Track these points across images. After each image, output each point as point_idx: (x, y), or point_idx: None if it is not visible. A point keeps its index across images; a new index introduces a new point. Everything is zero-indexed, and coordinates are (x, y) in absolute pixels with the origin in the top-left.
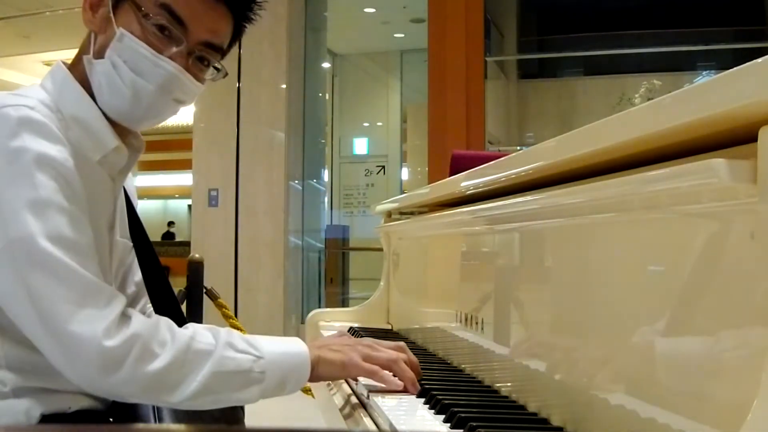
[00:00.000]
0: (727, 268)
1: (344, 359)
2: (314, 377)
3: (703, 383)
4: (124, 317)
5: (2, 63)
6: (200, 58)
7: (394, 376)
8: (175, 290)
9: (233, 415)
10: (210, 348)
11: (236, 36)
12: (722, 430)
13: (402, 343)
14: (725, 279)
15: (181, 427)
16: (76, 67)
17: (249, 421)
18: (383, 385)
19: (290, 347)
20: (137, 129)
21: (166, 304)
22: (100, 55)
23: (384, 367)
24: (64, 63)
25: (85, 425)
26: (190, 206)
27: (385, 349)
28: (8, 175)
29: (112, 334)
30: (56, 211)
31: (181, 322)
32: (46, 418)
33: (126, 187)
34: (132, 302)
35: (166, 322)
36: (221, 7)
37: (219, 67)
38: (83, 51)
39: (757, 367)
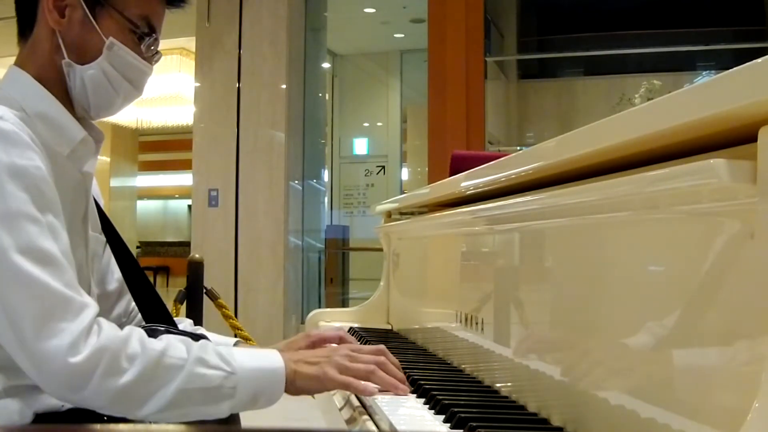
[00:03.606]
0: (727, 269)
1: (319, 373)
2: (293, 391)
3: (702, 383)
4: (94, 330)
5: (2, 63)
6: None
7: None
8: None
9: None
10: (181, 363)
11: None
12: (722, 431)
13: (381, 346)
14: (725, 279)
15: (180, 427)
16: (29, 66)
17: (248, 421)
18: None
19: (265, 362)
20: (98, 119)
21: (149, 301)
22: (82, 59)
23: (362, 378)
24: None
25: (79, 425)
26: (190, 206)
27: (365, 356)
28: None
29: (78, 350)
30: (27, 222)
31: (166, 317)
32: (39, 417)
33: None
34: (117, 299)
35: (138, 334)
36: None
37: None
38: (44, 51)
39: (757, 367)
